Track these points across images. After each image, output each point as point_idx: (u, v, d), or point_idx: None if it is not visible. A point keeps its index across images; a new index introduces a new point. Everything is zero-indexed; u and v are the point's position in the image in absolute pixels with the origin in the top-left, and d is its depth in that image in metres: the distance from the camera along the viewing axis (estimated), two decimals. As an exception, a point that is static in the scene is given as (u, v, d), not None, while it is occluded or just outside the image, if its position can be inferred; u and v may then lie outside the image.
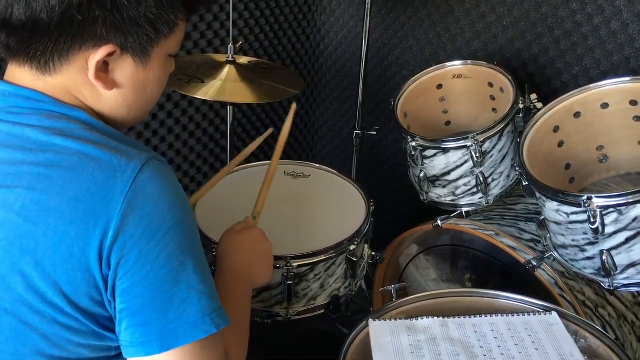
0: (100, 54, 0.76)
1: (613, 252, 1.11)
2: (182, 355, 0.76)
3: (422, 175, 1.55)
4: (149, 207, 0.73)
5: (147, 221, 0.73)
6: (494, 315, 1.03)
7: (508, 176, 1.49)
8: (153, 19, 0.77)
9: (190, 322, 0.76)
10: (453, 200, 1.55)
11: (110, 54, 0.77)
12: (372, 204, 1.42)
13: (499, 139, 1.44)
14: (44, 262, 0.71)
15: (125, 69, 0.80)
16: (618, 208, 1.07)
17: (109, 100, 0.82)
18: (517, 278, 1.47)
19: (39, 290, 0.72)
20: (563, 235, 1.19)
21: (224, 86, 1.63)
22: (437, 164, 1.49)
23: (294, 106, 1.33)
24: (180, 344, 0.75)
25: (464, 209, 1.54)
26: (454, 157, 1.46)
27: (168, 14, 0.79)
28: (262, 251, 1.11)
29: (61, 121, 0.77)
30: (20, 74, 0.79)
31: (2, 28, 0.76)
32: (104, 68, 0.79)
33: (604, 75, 1.72)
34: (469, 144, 1.41)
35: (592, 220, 1.09)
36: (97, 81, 0.78)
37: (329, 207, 1.45)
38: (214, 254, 1.22)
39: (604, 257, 1.12)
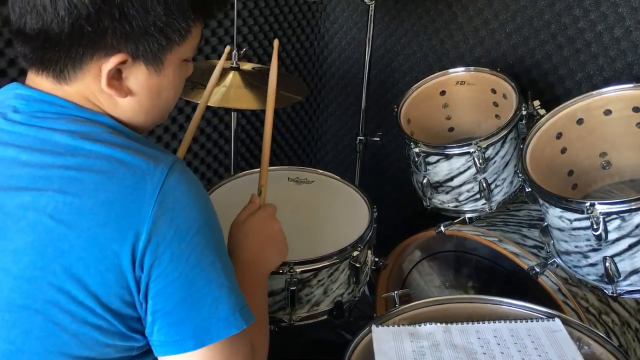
0: (111, 62, 0.77)
1: (616, 259, 1.11)
2: (215, 351, 0.78)
3: (425, 181, 1.55)
4: (178, 209, 0.75)
5: (177, 223, 0.75)
6: (497, 322, 1.03)
7: (511, 182, 1.49)
8: (163, 27, 0.78)
9: (222, 319, 0.78)
10: (456, 207, 1.55)
11: (122, 62, 0.78)
12: (375, 209, 1.42)
13: (502, 145, 1.44)
14: (77, 264, 0.73)
15: (138, 76, 0.81)
16: (621, 214, 1.07)
17: (125, 107, 0.83)
18: (520, 284, 1.47)
19: (71, 292, 0.73)
20: (566, 241, 1.19)
21: (228, 92, 1.63)
22: (440, 170, 1.50)
23: (276, 42, 1.35)
24: (214, 341, 0.78)
25: (467, 215, 1.54)
26: (457, 163, 1.46)
27: (179, 21, 0.80)
28: (270, 233, 1.10)
29: (87, 125, 0.79)
30: (40, 82, 0.81)
31: (17, 37, 0.78)
32: (117, 76, 0.80)
33: (607, 82, 1.72)
34: (471, 150, 1.42)
35: (595, 226, 1.09)
36: (110, 89, 0.80)
37: (332, 213, 1.45)
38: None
39: (607, 264, 1.12)
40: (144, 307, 0.77)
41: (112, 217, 0.73)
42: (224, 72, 1.70)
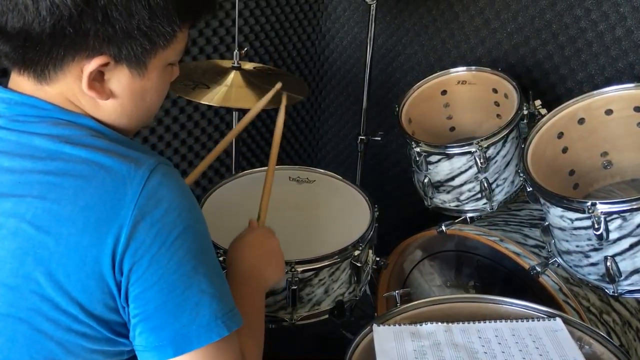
0: (93, 64, 0.76)
1: (617, 258, 1.11)
2: (196, 358, 0.76)
3: (426, 180, 1.55)
4: (159, 213, 0.74)
5: (157, 227, 0.74)
6: (498, 321, 1.02)
7: (512, 182, 1.49)
8: (147, 31, 0.77)
9: (203, 326, 0.76)
10: (457, 206, 1.55)
11: (104, 65, 0.77)
12: (376, 209, 1.42)
13: (503, 145, 1.44)
14: (58, 271, 0.72)
15: (121, 79, 0.80)
16: (622, 214, 1.07)
17: (107, 110, 0.82)
18: (521, 284, 1.47)
19: (54, 299, 0.72)
20: (567, 241, 1.19)
21: (230, 92, 1.63)
22: (442, 169, 1.50)
23: (280, 91, 1.33)
24: (194, 348, 0.76)
25: (468, 215, 1.54)
26: (458, 162, 1.46)
27: (163, 25, 0.78)
28: (269, 249, 1.10)
29: (68, 128, 0.77)
30: (22, 83, 0.79)
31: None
32: (99, 78, 0.78)
33: (608, 82, 1.72)
34: (473, 149, 1.42)
35: (596, 226, 1.09)
36: (91, 91, 0.78)
37: (333, 212, 1.45)
38: (220, 258, 1.22)
39: (608, 263, 1.12)
40: (127, 310, 0.76)
41: (91, 222, 0.72)
42: (225, 72, 1.70)
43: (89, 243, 0.72)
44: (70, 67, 0.76)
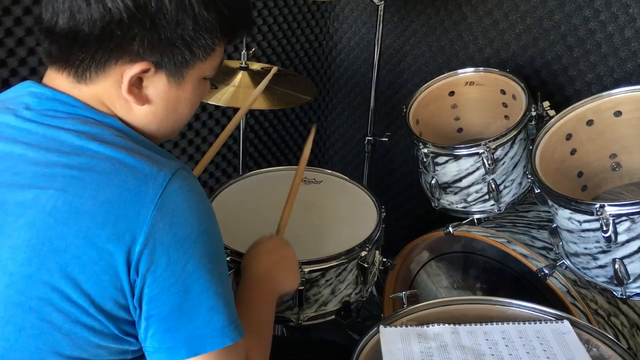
0: (135, 69, 0.78)
1: (626, 261, 1.11)
2: None
3: (433, 182, 1.55)
4: (178, 216, 0.75)
5: (175, 229, 0.75)
6: (505, 323, 1.02)
7: (520, 184, 1.49)
8: (190, 41, 0.79)
9: (217, 329, 0.78)
10: (464, 207, 1.54)
11: (145, 71, 0.79)
12: (383, 210, 1.42)
13: (511, 146, 1.43)
14: (73, 263, 0.73)
15: (158, 86, 0.82)
16: (631, 216, 1.06)
17: (140, 115, 0.84)
18: (529, 286, 1.46)
19: (64, 290, 0.73)
20: (575, 243, 1.19)
21: (237, 92, 1.64)
22: (449, 170, 1.49)
23: (313, 129, 1.36)
24: (207, 351, 0.77)
25: (476, 216, 1.53)
26: (466, 164, 1.46)
27: (205, 38, 0.80)
28: (284, 256, 1.11)
29: (95, 127, 0.79)
30: (58, 80, 0.81)
31: (47, 36, 0.79)
32: (137, 83, 0.81)
33: (617, 83, 1.71)
34: (480, 151, 1.41)
35: (604, 228, 1.08)
36: (130, 95, 0.80)
37: (340, 213, 1.45)
38: (227, 258, 1.23)
39: (616, 266, 1.11)
40: (138, 311, 0.76)
41: (110, 218, 0.73)
42: (233, 72, 1.70)
43: (107, 238, 0.73)
44: (112, 70, 0.79)
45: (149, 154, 0.78)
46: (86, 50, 0.77)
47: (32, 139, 0.78)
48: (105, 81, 0.80)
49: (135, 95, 0.81)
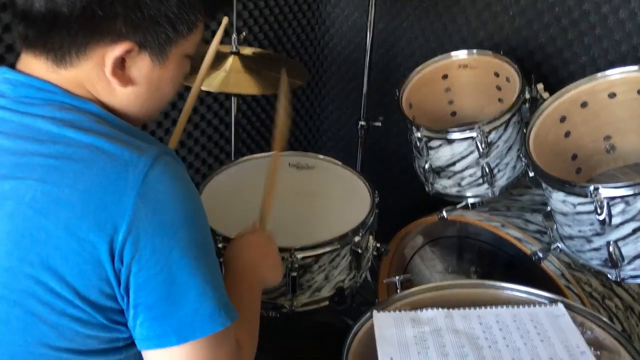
0: (118, 50, 0.76)
1: (620, 243, 1.10)
2: (198, 347, 0.77)
3: (427, 166, 1.54)
4: (161, 202, 0.73)
5: (159, 216, 0.73)
6: (499, 307, 1.02)
7: (514, 167, 1.48)
8: (173, 18, 0.77)
9: (206, 315, 0.77)
10: (458, 192, 1.54)
11: (128, 51, 0.77)
12: (376, 195, 1.42)
13: (505, 130, 1.42)
14: (54, 255, 0.71)
15: (141, 66, 0.80)
16: (625, 198, 1.06)
17: (122, 97, 0.81)
18: (523, 269, 1.46)
19: (48, 283, 0.72)
20: (569, 226, 1.19)
21: (228, 77, 1.62)
22: (443, 154, 1.48)
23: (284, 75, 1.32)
24: (197, 337, 0.76)
25: (470, 200, 1.53)
26: (460, 147, 1.45)
27: (188, 14, 0.79)
28: (267, 250, 1.11)
29: (72, 113, 0.77)
30: (35, 65, 0.79)
31: (22, 20, 0.76)
32: (120, 65, 0.78)
33: (612, 65, 1.70)
34: (474, 134, 1.40)
35: (598, 210, 1.08)
36: (113, 77, 0.78)
37: (333, 198, 1.44)
38: (219, 245, 1.22)
39: (610, 248, 1.11)
40: (126, 300, 0.75)
41: (90, 208, 0.71)
42: (224, 57, 1.68)
43: (87, 228, 0.71)
44: (93, 52, 0.76)
45: (130, 139, 0.76)
46: (66, 33, 0.74)
47: (7, 127, 0.76)
48: (86, 64, 0.77)
49: (119, 76, 0.78)
